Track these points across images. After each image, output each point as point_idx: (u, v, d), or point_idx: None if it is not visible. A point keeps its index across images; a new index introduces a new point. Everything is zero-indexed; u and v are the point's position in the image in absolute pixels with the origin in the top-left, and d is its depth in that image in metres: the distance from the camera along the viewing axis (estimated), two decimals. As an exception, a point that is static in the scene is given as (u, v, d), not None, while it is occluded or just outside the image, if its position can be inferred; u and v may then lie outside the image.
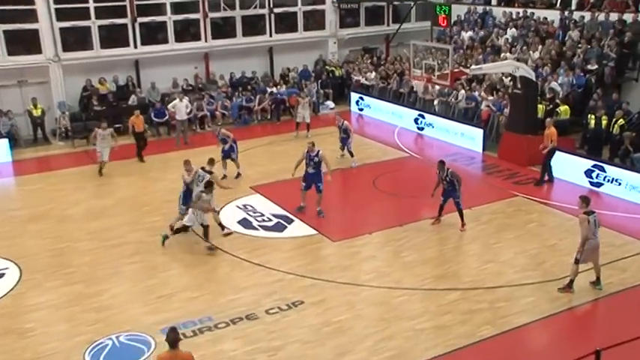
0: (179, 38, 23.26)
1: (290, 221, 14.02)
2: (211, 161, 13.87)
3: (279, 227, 13.74)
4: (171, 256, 12.45)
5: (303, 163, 14.06)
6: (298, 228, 13.67)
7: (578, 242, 10.66)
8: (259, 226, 13.81)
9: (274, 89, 23.54)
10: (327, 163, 14.05)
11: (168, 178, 16.81)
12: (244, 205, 14.79)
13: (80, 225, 14.15)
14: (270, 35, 24.92)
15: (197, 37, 23.57)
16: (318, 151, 13.94)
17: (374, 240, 13.10)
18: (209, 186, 12.54)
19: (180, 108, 19.94)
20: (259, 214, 14.38)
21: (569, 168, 15.88)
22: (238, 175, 16.57)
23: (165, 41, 23.07)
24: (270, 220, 14.08)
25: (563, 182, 15.91)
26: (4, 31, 20.54)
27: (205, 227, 12.57)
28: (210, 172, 13.34)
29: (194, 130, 21.51)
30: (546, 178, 15.93)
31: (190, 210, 12.55)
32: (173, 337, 7.40)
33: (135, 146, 18.62)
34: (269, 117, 23.15)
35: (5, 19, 20.48)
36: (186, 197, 13.23)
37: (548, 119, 16.16)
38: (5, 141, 19.24)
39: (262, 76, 24.83)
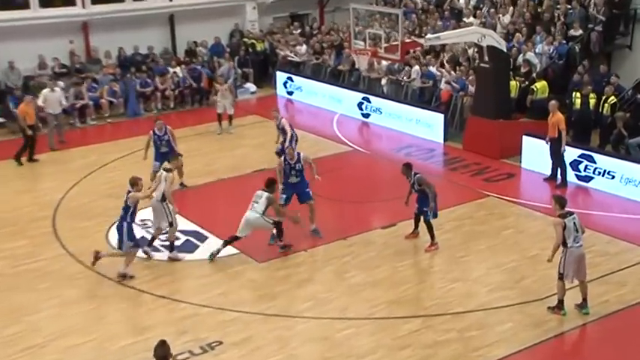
0: (46, 3, 22.76)
1: (203, 238, 13.89)
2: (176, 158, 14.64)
3: (189, 247, 13.58)
4: (42, 293, 12.07)
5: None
6: (215, 247, 13.46)
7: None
8: (162, 246, 13.59)
9: (178, 69, 23.31)
10: (312, 163, 14.10)
11: (38, 188, 16.35)
12: (142, 221, 14.46)
13: None
14: (171, -1, 24.70)
15: (71, 2, 23.15)
16: (299, 154, 13.88)
17: (311, 258, 13.12)
18: (271, 185, 12.93)
19: (52, 100, 19.46)
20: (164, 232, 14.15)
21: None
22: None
23: (26, 6, 22.53)
24: (177, 238, 13.85)
25: (544, 176, 16.39)
26: None
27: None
28: (170, 170, 13.39)
29: (71, 124, 20.98)
30: (559, 180, 16.06)
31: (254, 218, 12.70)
32: (162, 354, 7.80)
33: (22, 142, 18.19)
34: (172, 105, 22.89)
35: None
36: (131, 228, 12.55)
37: (552, 102, 16.16)
38: None
39: (161, 52, 24.66)
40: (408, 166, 13.28)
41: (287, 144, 15.78)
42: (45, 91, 19.71)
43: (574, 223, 10.85)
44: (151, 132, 16.01)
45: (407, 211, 13.40)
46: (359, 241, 13.60)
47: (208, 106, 22.73)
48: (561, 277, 10.90)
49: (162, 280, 12.33)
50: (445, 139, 19.06)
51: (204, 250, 13.43)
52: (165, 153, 15.62)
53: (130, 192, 12.31)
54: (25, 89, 21.15)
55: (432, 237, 13.24)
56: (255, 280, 12.46)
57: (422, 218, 13.24)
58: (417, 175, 13.12)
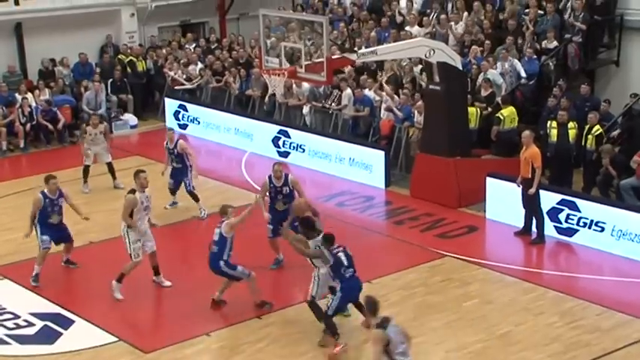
0: None
1: (68, 323, 13.71)
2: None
3: (47, 336, 13.39)
4: None
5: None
6: (82, 333, 13.39)
7: (546, 326, 11.06)
8: (10, 336, 13.38)
9: (29, 97, 23.13)
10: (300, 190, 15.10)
11: None
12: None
13: None
14: (17, 3, 24.66)
15: None
16: (287, 175, 15.13)
17: (214, 345, 13.10)
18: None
19: None
20: (10, 317, 13.99)
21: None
22: None
23: None
24: (31, 324, 13.74)
25: (515, 229, 16.76)
26: None
27: None
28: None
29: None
30: (534, 234, 16.39)
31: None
32: None
33: None
34: (22, 145, 22.63)
35: None
36: None
37: (526, 132, 16.51)
38: None
39: (5, 73, 24.57)
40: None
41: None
42: None
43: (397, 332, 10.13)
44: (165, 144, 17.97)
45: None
46: (278, 320, 13.64)
47: (74, 144, 22.60)
48: None
49: None
50: (387, 184, 19.38)
51: (70, 339, 13.24)
52: (179, 169, 17.95)
53: (223, 221, 13.73)
54: None
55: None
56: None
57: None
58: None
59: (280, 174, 15.02)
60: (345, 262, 12.53)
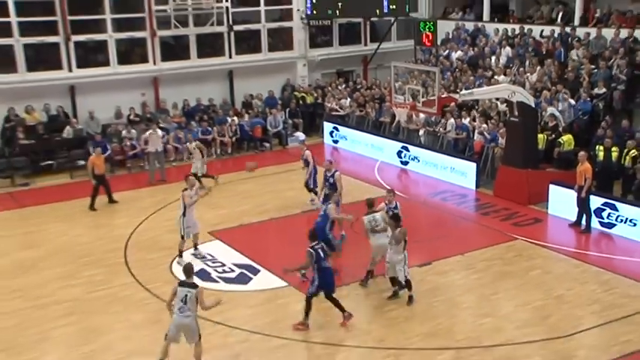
0: (123, 60, 23.52)
1: (255, 272, 14.11)
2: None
3: (242, 279, 13.82)
4: (114, 316, 12.40)
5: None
6: (265, 280, 13.76)
7: (589, 291, 10.75)
8: (219, 277, 13.89)
9: (235, 119, 23.85)
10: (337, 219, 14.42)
11: (112, 224, 16.77)
12: (293, 271, 14.71)
13: (3, 281, 14.00)
14: (230, 57, 25.34)
15: (144, 59, 23.88)
16: (396, 203, 13.95)
17: (353, 292, 13.21)
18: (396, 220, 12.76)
19: (154, 140, 20.20)
20: (219, 264, 14.46)
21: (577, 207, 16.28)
22: None
23: (106, 64, 23.30)
24: (233, 270, 14.17)
25: (569, 222, 16.33)
26: None
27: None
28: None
29: (141, 167, 21.56)
30: (584, 225, 16.00)
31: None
32: None
33: (92, 189, 18.04)
34: (230, 151, 23.37)
35: None
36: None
37: (582, 153, 16.28)
38: None
39: (221, 103, 25.14)
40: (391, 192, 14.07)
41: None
42: (148, 132, 20.38)
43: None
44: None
45: (442, 250, 13.49)
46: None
47: (263, 152, 23.24)
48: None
49: (219, 308, 12.45)
50: (477, 186, 19.11)
51: (257, 282, 13.66)
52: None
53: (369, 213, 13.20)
54: (103, 136, 21.90)
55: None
56: (302, 311, 12.59)
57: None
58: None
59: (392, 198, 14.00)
60: (323, 256, 11.77)
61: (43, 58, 22.50)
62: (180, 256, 14.54)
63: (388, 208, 13.63)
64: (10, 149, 21.34)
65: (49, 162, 21.17)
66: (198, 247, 15.03)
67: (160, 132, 20.57)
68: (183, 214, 14.42)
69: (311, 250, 11.69)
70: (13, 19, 21.62)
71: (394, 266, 12.43)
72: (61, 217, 17.49)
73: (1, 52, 21.84)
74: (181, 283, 10.41)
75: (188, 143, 20.47)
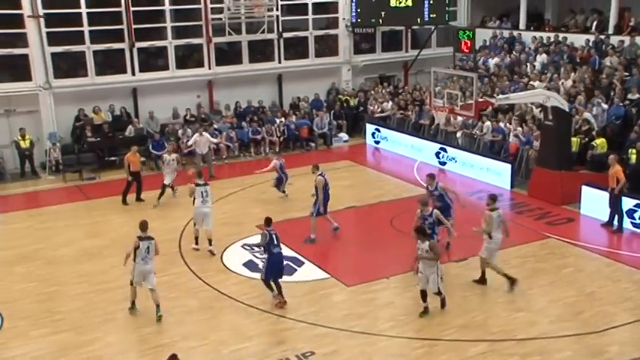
0: (181, 65, 23.72)
1: (300, 264, 14.07)
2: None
3: (288, 270, 13.68)
4: (170, 302, 12.47)
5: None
6: (309, 271, 13.72)
7: (622, 289, 10.48)
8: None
9: (283, 120, 23.85)
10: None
11: (168, 216, 16.89)
12: (250, 246, 14.84)
13: (70, 267, 14.24)
14: (279, 62, 25.35)
15: (200, 64, 24.03)
16: (433, 211, 12.98)
17: (392, 285, 13.07)
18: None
19: (201, 142, 20.20)
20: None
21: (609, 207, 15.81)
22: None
23: (166, 68, 23.53)
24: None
25: (601, 222, 15.87)
26: (-7, 57, 21.01)
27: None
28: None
29: (195, 164, 21.68)
30: (616, 225, 15.56)
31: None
32: None
33: (125, 185, 18.10)
34: (277, 150, 23.37)
35: (-6, 44, 20.96)
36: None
37: (611, 156, 15.80)
38: (-10, 175, 19.48)
39: (270, 105, 25.17)
40: (431, 176, 13.95)
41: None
42: (195, 136, 20.42)
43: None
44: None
45: (477, 247, 13.20)
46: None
47: (308, 151, 23.20)
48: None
49: (266, 297, 12.53)
50: (512, 186, 18.72)
51: (301, 274, 13.60)
52: None
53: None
54: (161, 135, 22.14)
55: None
56: (344, 301, 12.53)
57: None
58: (439, 184, 13.83)
59: (427, 209, 12.98)
60: (275, 242, 12.00)
61: (109, 63, 22.84)
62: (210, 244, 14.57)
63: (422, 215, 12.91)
64: (79, 146, 21.80)
65: (113, 158, 21.53)
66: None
67: (206, 135, 20.52)
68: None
69: (266, 232, 12.04)
70: (86, 28, 22.04)
71: (427, 277, 11.68)
72: (122, 209, 17.72)
73: (74, 58, 22.31)
74: (141, 238, 11.72)
75: (166, 154, 18.58)
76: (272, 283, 12.18)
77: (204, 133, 20.47)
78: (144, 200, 18.30)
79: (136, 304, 12.06)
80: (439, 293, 11.84)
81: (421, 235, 11.67)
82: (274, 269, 12.18)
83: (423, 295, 11.78)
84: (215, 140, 20.95)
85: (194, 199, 14.56)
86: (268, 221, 12.30)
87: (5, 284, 13.50)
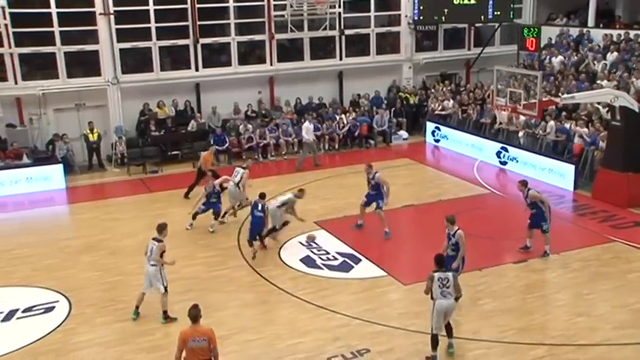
0: (243, 61, 23.99)
1: (357, 261, 14.05)
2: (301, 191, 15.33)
3: (345, 267, 13.79)
4: (227, 295, 12.67)
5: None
6: (366, 268, 13.68)
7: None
8: (324, 265, 13.91)
9: (343, 116, 23.85)
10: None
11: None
12: (308, 242, 14.95)
13: (134, 258, 14.54)
14: (340, 59, 25.34)
15: (262, 60, 24.25)
16: (457, 230, 11.86)
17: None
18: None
19: (309, 128, 21.19)
20: (324, 252, 14.49)
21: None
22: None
23: (229, 64, 23.85)
24: (336, 258, 14.17)
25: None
26: (65, 53, 21.73)
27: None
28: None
29: (256, 159, 21.90)
30: None
31: None
32: (194, 313, 8.75)
33: (195, 178, 18.30)
34: (337, 147, 23.40)
35: (66, 41, 21.68)
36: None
37: None
38: (60, 166, 20.10)
39: (330, 102, 25.21)
40: (523, 183, 13.79)
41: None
42: (306, 123, 21.36)
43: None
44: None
45: (537, 249, 12.93)
46: (492, 273, 13.28)
47: (368, 148, 23.11)
48: None
49: (322, 293, 12.59)
50: (575, 188, 18.21)
51: (358, 271, 13.58)
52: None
53: None
54: (223, 130, 22.47)
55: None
56: (400, 300, 12.47)
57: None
58: (531, 191, 13.46)
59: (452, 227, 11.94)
60: (259, 207, 14.06)
61: (174, 59, 23.32)
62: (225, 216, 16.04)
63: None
64: (144, 140, 22.32)
65: (175, 152, 21.99)
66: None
67: (307, 123, 21.42)
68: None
69: (252, 200, 14.38)
70: (153, 24, 22.54)
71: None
72: (184, 202, 18.04)
73: (140, 54, 22.86)
74: (153, 238, 11.75)
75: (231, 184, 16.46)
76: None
77: (312, 121, 21.51)
78: (189, 198, 18.08)
79: (139, 310, 11.85)
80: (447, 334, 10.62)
81: (437, 265, 10.37)
82: (251, 229, 14.16)
83: (448, 330, 10.57)
84: (319, 131, 22.27)
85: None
86: (262, 195, 14.39)
87: (73, 272, 13.98)
